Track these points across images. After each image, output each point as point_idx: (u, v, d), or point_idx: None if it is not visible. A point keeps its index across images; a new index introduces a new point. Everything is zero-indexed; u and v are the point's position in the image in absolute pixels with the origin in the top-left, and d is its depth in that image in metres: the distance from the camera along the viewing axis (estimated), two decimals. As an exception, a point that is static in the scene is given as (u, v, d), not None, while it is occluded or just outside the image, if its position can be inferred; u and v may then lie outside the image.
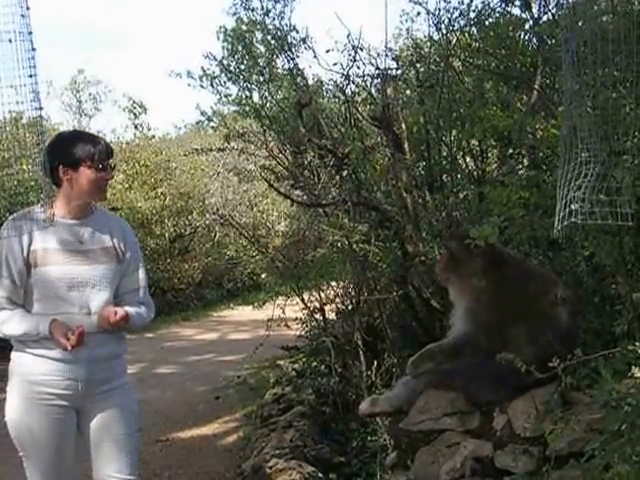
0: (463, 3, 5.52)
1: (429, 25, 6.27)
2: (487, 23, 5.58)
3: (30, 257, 3.06)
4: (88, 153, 3.09)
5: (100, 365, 3.16)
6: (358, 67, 6.19)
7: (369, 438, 5.40)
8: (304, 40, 6.69)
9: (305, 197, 6.80)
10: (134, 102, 18.93)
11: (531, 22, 5.46)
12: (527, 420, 3.17)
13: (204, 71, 7.56)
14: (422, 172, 5.98)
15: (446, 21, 5.64)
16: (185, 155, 14.14)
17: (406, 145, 5.68)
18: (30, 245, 3.06)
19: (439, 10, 5.68)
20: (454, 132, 5.72)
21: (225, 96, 7.76)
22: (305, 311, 7.06)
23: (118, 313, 3.08)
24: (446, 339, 3.70)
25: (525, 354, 2.98)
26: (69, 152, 3.09)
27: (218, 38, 7.28)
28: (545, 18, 5.35)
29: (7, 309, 3.07)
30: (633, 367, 2.64)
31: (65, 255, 3.11)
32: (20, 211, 3.11)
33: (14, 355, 3.18)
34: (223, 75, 7.49)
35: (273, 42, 6.90)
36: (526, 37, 5.68)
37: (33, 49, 2.79)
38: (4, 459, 5.10)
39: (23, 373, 3.13)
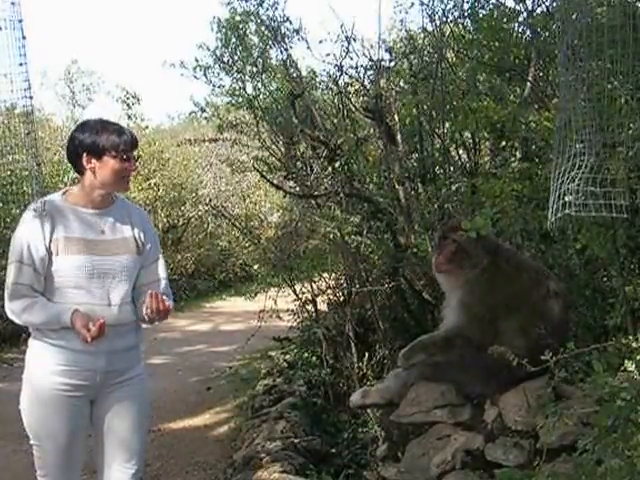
0: (457, -6, 5.53)
1: (423, 16, 6.30)
2: (481, 15, 5.57)
3: (52, 245, 3.02)
4: (113, 143, 3.04)
5: (119, 356, 3.13)
6: (351, 58, 6.19)
7: (360, 430, 5.40)
8: (297, 31, 6.69)
9: (298, 188, 6.80)
10: (127, 93, 18.84)
11: (525, 14, 5.45)
12: (518, 413, 3.17)
13: (197, 62, 7.53)
14: (414, 164, 5.98)
15: (440, 12, 5.64)
16: (178, 146, 14.11)
17: (399, 137, 5.69)
18: (52, 233, 3.02)
19: (433, 1, 5.68)
20: (447, 124, 5.72)
21: (218, 87, 7.73)
22: (297, 302, 7.06)
23: (166, 302, 3.05)
24: (438, 331, 3.70)
25: (517, 347, 2.97)
26: (94, 141, 3.04)
27: (212, 29, 7.26)
28: (539, 10, 5.35)
29: (28, 297, 3.02)
30: (626, 361, 2.64)
31: (86, 245, 3.07)
32: (39, 199, 3.06)
33: (32, 344, 3.14)
34: (216, 66, 7.46)
35: (267, 33, 6.88)
36: (520, 29, 5.67)
37: (24, 37, 2.78)
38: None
39: (40, 363, 3.09)
